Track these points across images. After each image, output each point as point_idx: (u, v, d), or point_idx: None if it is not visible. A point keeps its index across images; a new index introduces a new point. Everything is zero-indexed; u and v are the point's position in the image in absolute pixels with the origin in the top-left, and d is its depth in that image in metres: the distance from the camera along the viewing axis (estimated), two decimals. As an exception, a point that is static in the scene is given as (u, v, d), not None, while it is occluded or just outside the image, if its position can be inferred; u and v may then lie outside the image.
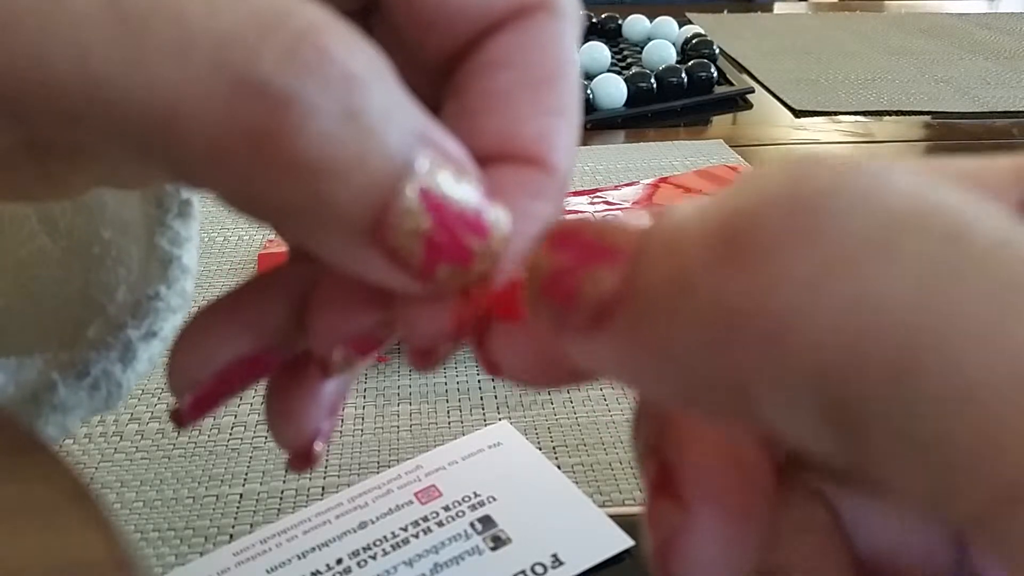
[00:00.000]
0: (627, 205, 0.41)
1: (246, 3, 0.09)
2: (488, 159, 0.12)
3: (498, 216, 0.11)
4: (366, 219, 0.10)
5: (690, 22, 0.86)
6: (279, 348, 0.13)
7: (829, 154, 0.08)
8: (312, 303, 0.12)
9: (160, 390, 0.31)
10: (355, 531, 0.24)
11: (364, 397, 0.31)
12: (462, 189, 0.10)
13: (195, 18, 0.09)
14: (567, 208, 0.45)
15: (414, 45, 0.13)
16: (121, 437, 0.29)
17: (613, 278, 0.09)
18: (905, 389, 0.07)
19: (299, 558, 0.23)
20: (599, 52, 0.70)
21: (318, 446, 0.14)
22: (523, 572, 0.22)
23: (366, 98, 0.09)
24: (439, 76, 0.13)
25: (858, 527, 0.11)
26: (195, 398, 0.13)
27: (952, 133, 0.62)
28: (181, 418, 0.13)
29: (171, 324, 0.19)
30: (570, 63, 0.13)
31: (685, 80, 0.64)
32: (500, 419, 0.29)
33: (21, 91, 0.09)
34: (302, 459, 0.14)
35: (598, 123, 0.61)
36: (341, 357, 0.12)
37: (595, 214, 0.40)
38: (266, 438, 0.29)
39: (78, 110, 0.09)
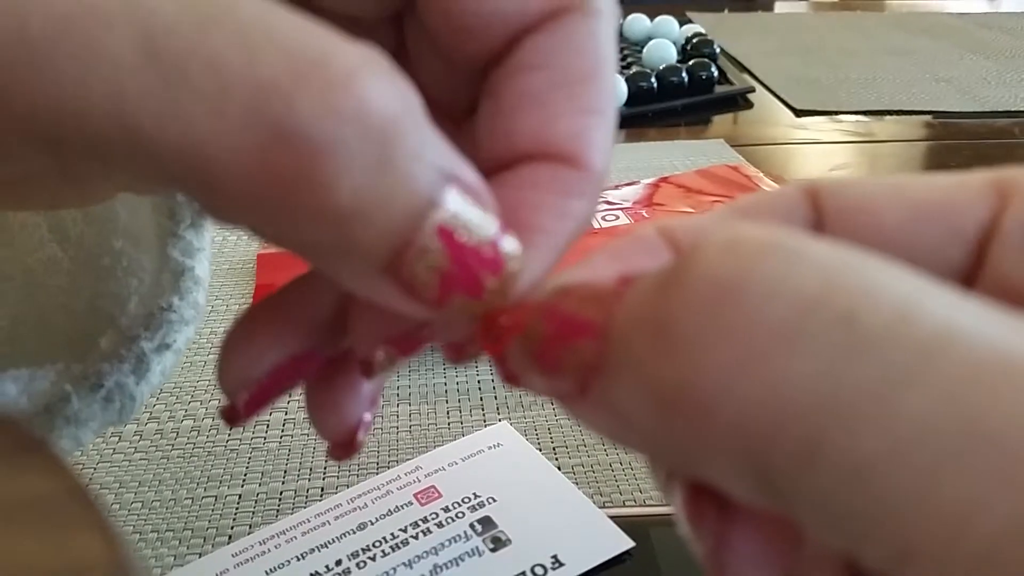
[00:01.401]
0: (628, 204, 0.41)
1: (283, 48, 0.09)
2: (523, 158, 0.13)
3: (511, 247, 0.11)
4: (386, 256, 0.10)
5: (691, 21, 0.86)
6: (325, 346, 0.13)
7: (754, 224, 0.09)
8: (354, 305, 0.13)
9: (159, 391, 0.31)
10: (354, 532, 0.24)
11: (364, 397, 0.31)
12: (479, 222, 0.10)
13: (232, 66, 0.09)
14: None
15: (449, 48, 0.13)
16: (120, 438, 0.29)
17: (590, 350, 0.10)
18: (813, 466, 0.08)
19: (298, 559, 0.23)
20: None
21: (360, 435, 0.14)
22: (523, 573, 0.22)
23: (399, 143, 0.09)
24: (474, 78, 0.14)
25: None
26: (252, 397, 0.13)
27: (953, 133, 0.62)
28: (235, 416, 0.13)
29: (184, 336, 0.19)
30: (605, 63, 0.13)
31: (686, 79, 0.64)
32: (500, 420, 0.29)
33: (59, 131, 0.09)
34: (344, 448, 0.14)
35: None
36: (383, 358, 0.12)
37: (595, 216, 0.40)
38: (264, 439, 0.29)
39: (113, 151, 0.09)
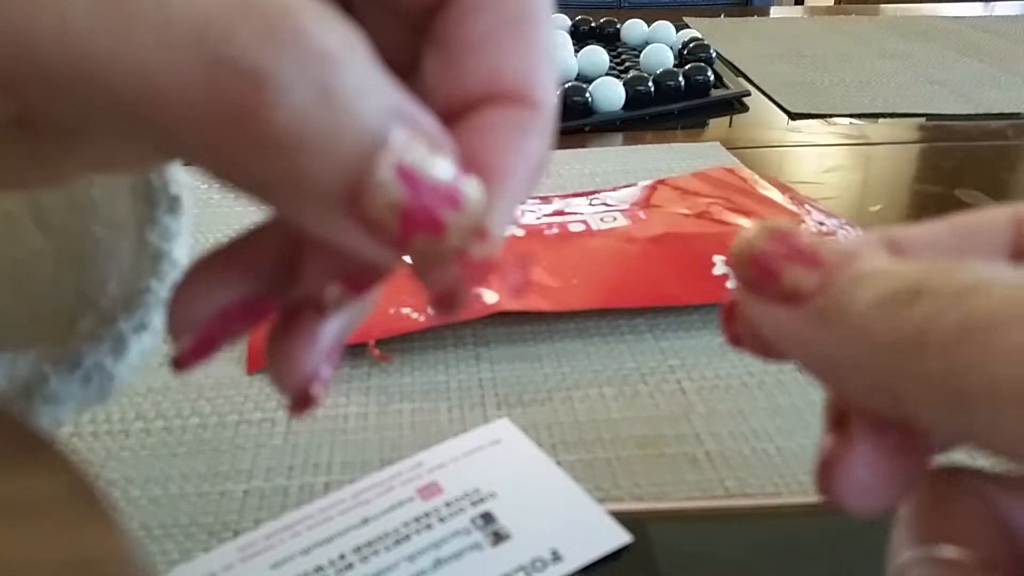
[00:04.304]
0: (626, 206, 0.42)
1: None
2: (476, 102, 0.13)
3: (472, 188, 0.11)
4: (341, 191, 0.10)
5: (687, 26, 0.86)
6: (274, 293, 0.14)
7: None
8: (308, 244, 0.13)
9: (166, 388, 0.31)
10: (357, 527, 0.24)
11: (367, 395, 0.31)
12: (436, 163, 0.11)
13: (176, 1, 0.09)
14: (568, 210, 0.45)
15: (392, 1, 0.14)
16: (127, 435, 0.29)
17: (812, 278, 0.12)
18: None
19: (303, 554, 0.23)
20: (598, 56, 0.70)
21: (316, 389, 0.14)
22: (523, 567, 0.23)
23: (340, 75, 0.10)
24: (417, 31, 0.14)
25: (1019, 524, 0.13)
26: (195, 341, 0.13)
27: (946, 135, 0.62)
28: (180, 362, 0.13)
29: (161, 317, 0.19)
30: (544, 3, 0.13)
31: (682, 83, 0.65)
32: (500, 417, 0.29)
33: (11, 65, 0.09)
34: (301, 402, 0.14)
35: (597, 126, 0.61)
36: (335, 295, 0.13)
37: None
38: (270, 436, 0.29)
39: (65, 83, 0.09)
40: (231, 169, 0.10)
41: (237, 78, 0.09)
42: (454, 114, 0.13)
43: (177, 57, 0.09)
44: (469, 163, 0.12)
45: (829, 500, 0.13)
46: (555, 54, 0.14)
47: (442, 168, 0.11)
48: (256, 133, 0.10)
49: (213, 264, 0.14)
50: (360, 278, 0.13)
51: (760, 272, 0.13)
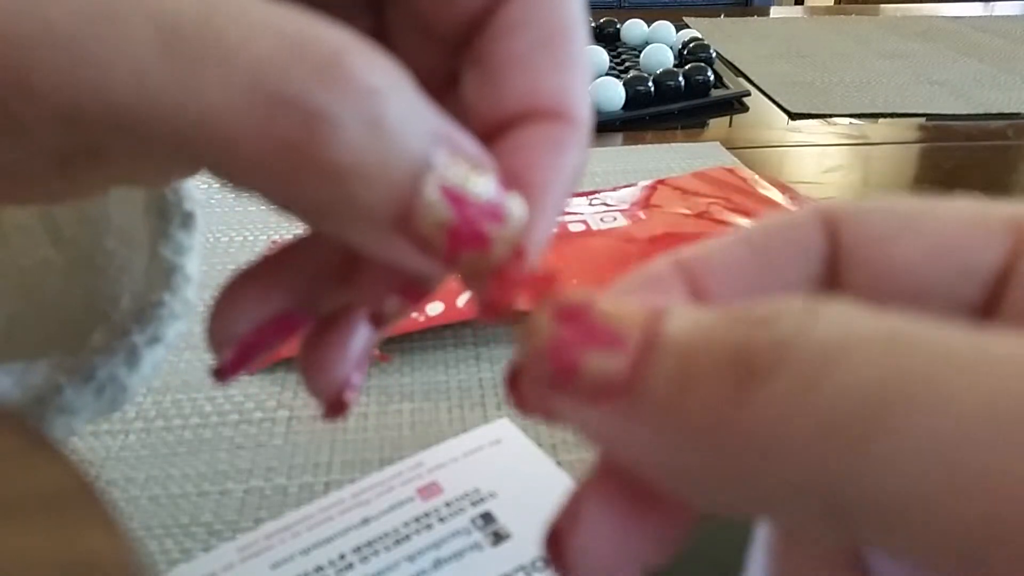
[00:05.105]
0: (626, 206, 0.42)
1: (278, 30, 0.10)
2: (514, 119, 0.13)
3: (513, 204, 0.12)
4: (392, 214, 0.11)
5: (687, 26, 0.86)
6: (310, 306, 0.14)
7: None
8: (361, 261, 0.13)
9: (166, 388, 0.31)
10: (358, 527, 0.24)
11: (367, 395, 0.31)
12: (479, 182, 0.11)
13: (235, 45, 0.10)
14: (568, 210, 0.45)
15: (431, 18, 0.14)
16: (127, 435, 0.29)
17: (619, 366, 0.10)
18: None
19: (302, 554, 0.23)
20: (598, 56, 0.70)
21: (348, 395, 0.15)
22: (523, 567, 0.23)
23: (385, 108, 0.11)
24: (453, 51, 0.14)
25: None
26: (236, 352, 0.14)
27: (946, 135, 0.62)
28: (222, 373, 0.14)
29: (174, 330, 0.19)
30: (579, 18, 0.14)
31: (682, 83, 0.65)
32: (501, 417, 0.29)
33: (84, 108, 0.10)
34: (334, 407, 0.15)
35: (596, 126, 0.61)
36: (394, 308, 0.13)
37: (590, 218, 0.40)
38: (270, 435, 0.29)
39: (135, 124, 0.10)
40: (286, 196, 0.11)
41: (294, 116, 0.10)
42: (494, 130, 0.14)
43: (238, 97, 0.10)
44: (510, 180, 0.12)
45: (556, 570, 0.11)
46: (588, 67, 0.14)
47: (484, 185, 0.11)
48: (311, 165, 0.10)
49: (250, 279, 0.14)
50: (414, 290, 0.13)
51: (557, 366, 0.10)
